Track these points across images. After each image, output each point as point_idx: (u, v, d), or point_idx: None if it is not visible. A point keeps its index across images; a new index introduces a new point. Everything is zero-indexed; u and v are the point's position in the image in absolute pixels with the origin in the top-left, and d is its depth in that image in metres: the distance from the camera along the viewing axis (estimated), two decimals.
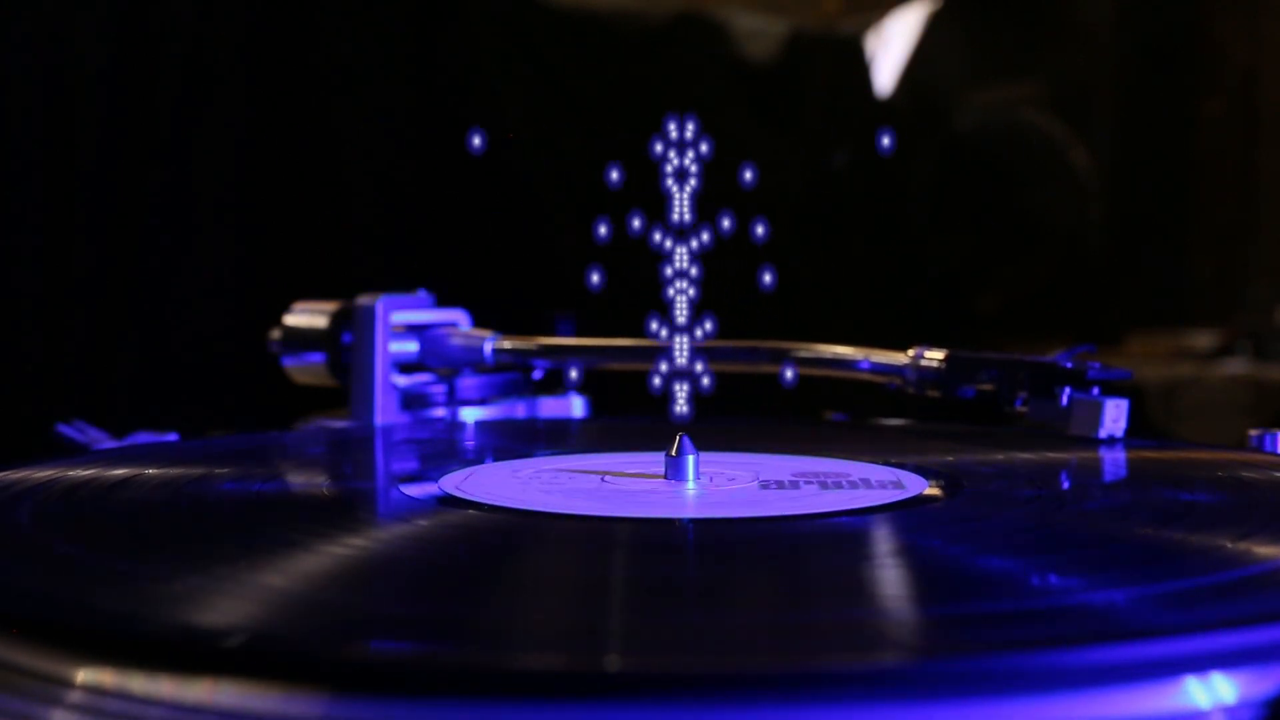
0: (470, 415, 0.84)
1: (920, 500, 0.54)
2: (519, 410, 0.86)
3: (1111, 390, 0.71)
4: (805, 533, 0.49)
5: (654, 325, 0.58)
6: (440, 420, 0.83)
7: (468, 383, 0.85)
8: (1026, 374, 0.72)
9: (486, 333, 0.85)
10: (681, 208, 0.57)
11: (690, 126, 0.57)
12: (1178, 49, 1.63)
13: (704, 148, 0.57)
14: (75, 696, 0.33)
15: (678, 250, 0.58)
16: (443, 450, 0.73)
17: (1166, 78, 1.62)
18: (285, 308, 0.85)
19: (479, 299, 0.90)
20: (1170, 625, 0.36)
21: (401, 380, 0.83)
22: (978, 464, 0.62)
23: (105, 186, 1.18)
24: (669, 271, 0.58)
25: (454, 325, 0.86)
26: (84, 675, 0.33)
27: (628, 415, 0.87)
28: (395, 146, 1.30)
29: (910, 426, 0.81)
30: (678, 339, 0.58)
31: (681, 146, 0.57)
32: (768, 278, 0.56)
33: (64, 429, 0.74)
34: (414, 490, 0.56)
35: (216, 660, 0.33)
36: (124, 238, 1.19)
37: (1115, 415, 0.70)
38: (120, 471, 0.59)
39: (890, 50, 1.52)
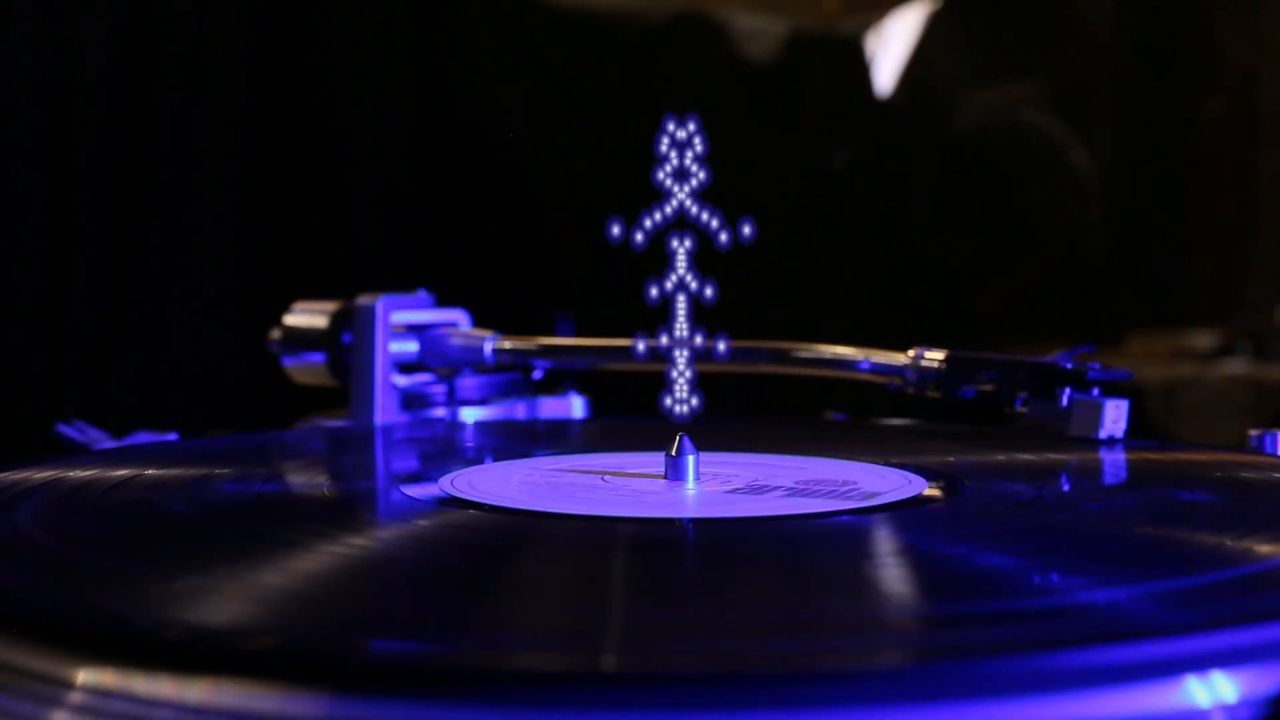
0: (470, 415, 0.84)
1: (920, 500, 0.54)
2: (519, 410, 0.86)
3: (1111, 391, 0.71)
4: (805, 533, 0.49)
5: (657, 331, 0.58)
6: (440, 420, 0.83)
7: (468, 383, 0.85)
8: (1026, 374, 0.72)
9: (486, 333, 0.85)
10: (681, 207, 0.57)
11: (690, 126, 0.57)
12: (1178, 49, 1.63)
13: (704, 147, 0.57)
14: (76, 697, 0.33)
15: (677, 250, 0.57)
16: (443, 450, 0.73)
17: (1166, 78, 1.62)
18: (285, 308, 0.85)
19: (479, 299, 0.90)
20: (1170, 625, 0.36)
21: (401, 380, 0.83)
22: (978, 464, 0.62)
23: (105, 186, 1.18)
24: (669, 271, 0.58)
25: (454, 325, 0.86)
26: (84, 675, 0.33)
27: (628, 415, 0.87)
28: (395, 146, 1.30)
29: (910, 426, 0.81)
30: (677, 336, 0.58)
31: (681, 146, 0.57)
32: (746, 229, 0.56)
33: (64, 429, 0.74)
34: (414, 490, 0.56)
35: (217, 660, 0.33)
36: (124, 238, 1.19)
37: (1115, 416, 0.70)
38: (120, 472, 0.59)
39: (890, 50, 1.52)
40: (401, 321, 0.84)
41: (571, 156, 1.36)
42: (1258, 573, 0.41)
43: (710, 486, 0.56)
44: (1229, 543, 0.45)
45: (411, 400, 0.83)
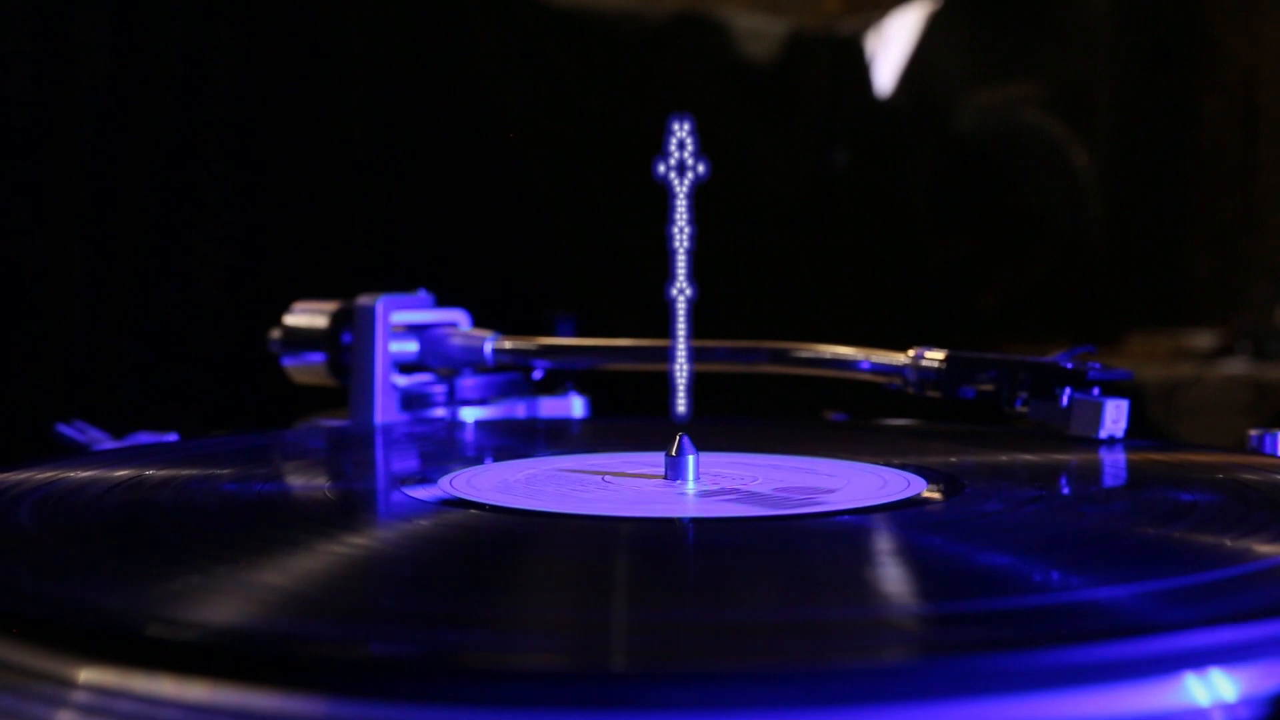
0: (470, 415, 0.84)
1: (921, 500, 0.54)
2: (519, 410, 0.86)
3: (1111, 391, 0.71)
4: (806, 532, 0.49)
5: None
6: (440, 420, 0.83)
7: (468, 383, 0.85)
8: (1027, 374, 0.72)
9: (486, 333, 0.85)
10: (681, 207, 0.57)
11: (689, 126, 0.57)
12: (1178, 49, 1.63)
13: (703, 147, 0.57)
14: (76, 696, 0.33)
15: (677, 250, 0.57)
16: (443, 450, 0.73)
17: (1166, 78, 1.62)
18: (285, 308, 0.85)
19: (479, 299, 0.90)
20: (1169, 622, 0.36)
21: (401, 380, 0.83)
22: (978, 464, 0.62)
23: (105, 186, 1.18)
24: (669, 270, 0.58)
25: (454, 325, 0.86)
26: (85, 675, 0.33)
27: (628, 415, 0.87)
28: (395, 146, 1.30)
29: (910, 426, 0.81)
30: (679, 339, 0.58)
31: (681, 146, 0.57)
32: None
33: (64, 429, 0.74)
34: (414, 490, 0.56)
35: (217, 660, 0.33)
36: (124, 237, 1.19)
37: (1115, 416, 0.70)
38: (121, 472, 0.59)
39: (890, 50, 1.52)
40: (401, 321, 0.84)
41: (571, 156, 1.36)
42: (1257, 571, 0.41)
43: (710, 486, 0.56)
44: (1228, 542, 0.45)
45: (411, 400, 0.83)
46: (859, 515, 0.51)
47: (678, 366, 0.58)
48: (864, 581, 0.43)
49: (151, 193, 1.20)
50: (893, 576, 0.44)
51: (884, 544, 0.47)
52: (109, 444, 0.74)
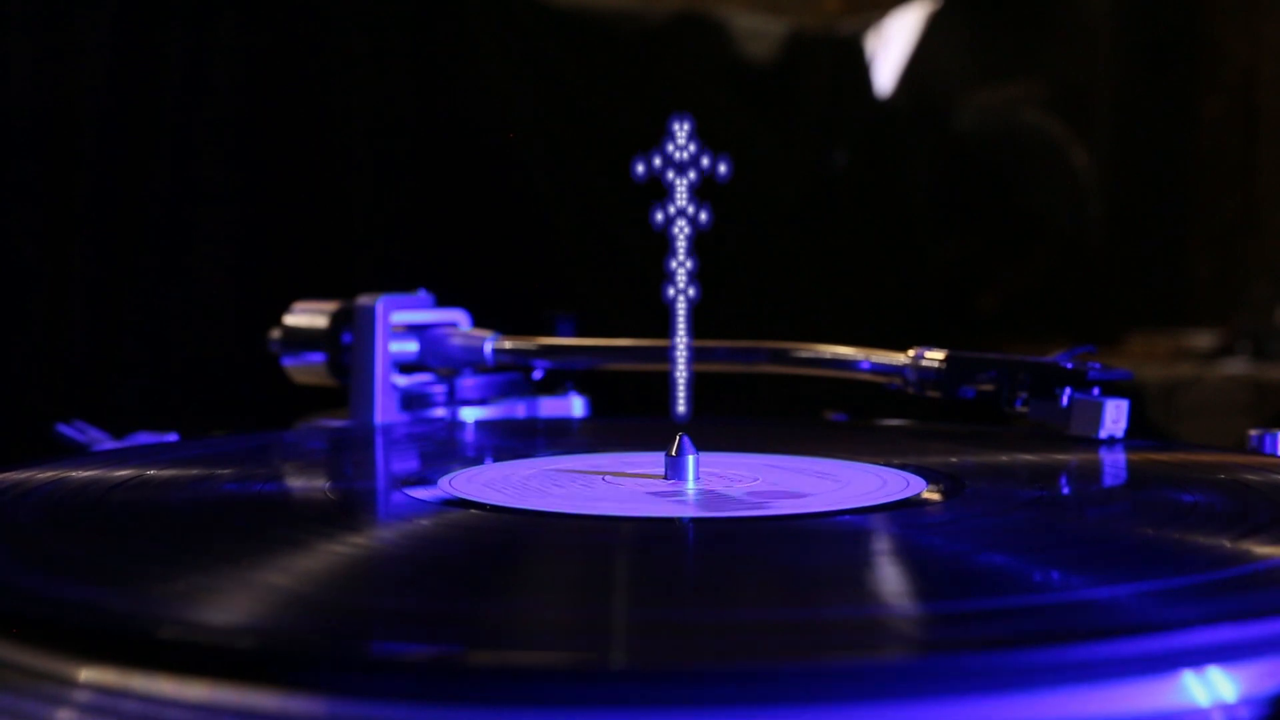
0: (470, 415, 0.84)
1: (921, 500, 0.54)
2: (519, 410, 0.86)
3: (1111, 391, 0.71)
4: (806, 532, 0.49)
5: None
6: (440, 420, 0.83)
7: (468, 383, 0.85)
8: (1027, 374, 0.72)
9: (486, 333, 0.85)
10: (681, 207, 0.57)
11: (689, 126, 0.57)
12: (1178, 49, 1.63)
13: (703, 147, 0.57)
14: (77, 696, 0.33)
15: (677, 249, 0.58)
16: (443, 450, 0.73)
17: (1166, 78, 1.63)
18: (285, 308, 0.85)
19: (479, 299, 0.90)
20: (1169, 621, 0.36)
21: (401, 380, 0.83)
22: (978, 464, 0.62)
23: (105, 186, 1.18)
24: (669, 270, 0.58)
25: (454, 325, 0.86)
26: (86, 675, 0.33)
27: (628, 415, 0.87)
28: (395, 146, 1.30)
29: (910, 426, 0.81)
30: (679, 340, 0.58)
31: (681, 146, 0.57)
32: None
33: (64, 429, 0.74)
34: (415, 490, 0.56)
35: (218, 660, 0.33)
36: (124, 237, 1.19)
37: (1115, 416, 0.70)
38: (121, 472, 0.59)
39: (890, 50, 1.52)
40: (401, 321, 0.84)
41: (571, 156, 1.36)
42: (1257, 572, 0.41)
43: (710, 486, 0.56)
44: (1228, 543, 0.45)
45: (411, 400, 0.83)
46: (859, 515, 0.51)
47: (678, 366, 0.58)
48: (864, 581, 0.43)
49: (151, 193, 1.20)
50: (892, 576, 0.44)
51: (883, 544, 0.47)
52: (109, 444, 0.74)
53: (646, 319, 0.69)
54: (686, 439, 0.58)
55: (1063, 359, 0.71)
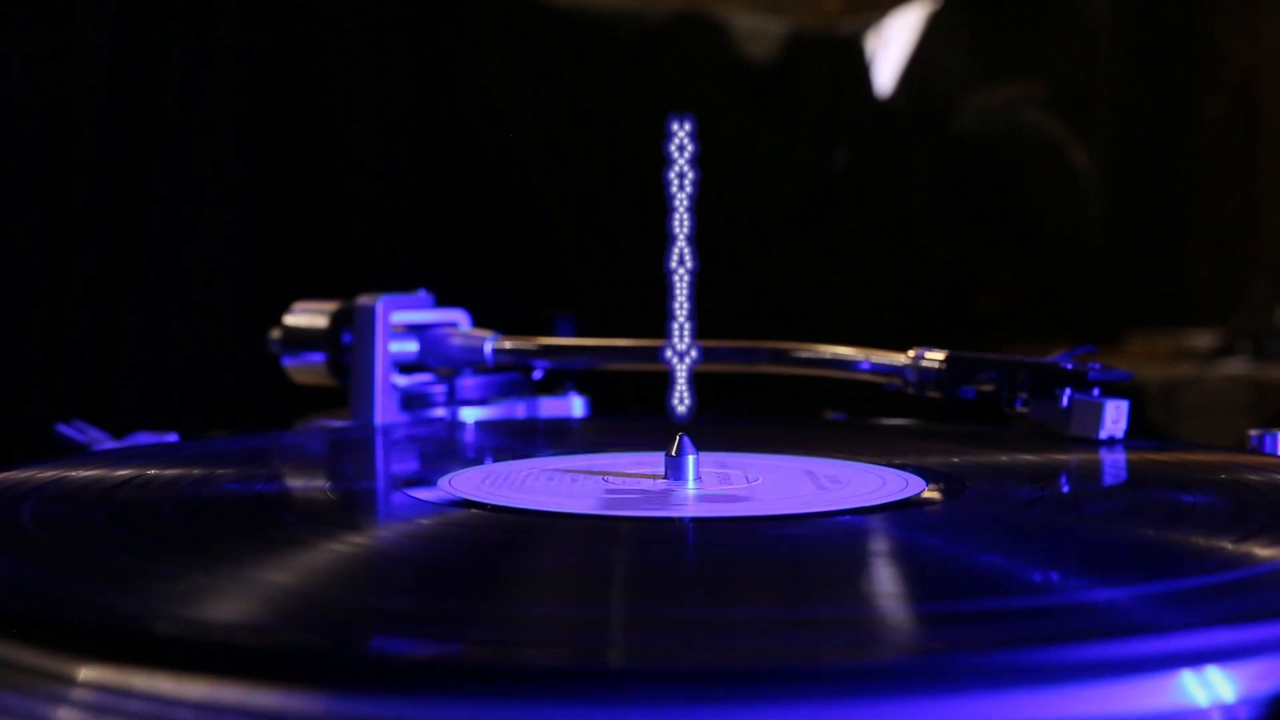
0: (470, 415, 0.84)
1: (921, 500, 0.54)
2: (519, 410, 0.86)
3: (1111, 391, 0.71)
4: (805, 532, 0.49)
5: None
6: (440, 420, 0.83)
7: (468, 383, 0.85)
8: (1027, 375, 0.72)
9: (486, 333, 0.85)
10: (681, 208, 0.57)
11: (689, 126, 0.57)
12: (1178, 49, 1.63)
13: (703, 147, 0.57)
14: (78, 694, 0.33)
15: (677, 249, 0.58)
16: (443, 450, 0.73)
17: (1166, 78, 1.63)
18: (285, 308, 0.85)
19: (479, 299, 0.90)
20: (1168, 623, 0.36)
21: (401, 380, 0.83)
22: (978, 464, 0.62)
23: (105, 186, 1.18)
24: (669, 270, 0.58)
25: (454, 325, 0.86)
26: (86, 673, 0.33)
27: (628, 415, 0.87)
28: (395, 146, 1.30)
29: (910, 426, 0.81)
30: (678, 334, 0.58)
31: (681, 146, 0.57)
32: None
33: (64, 429, 0.74)
34: (415, 490, 0.56)
35: (218, 658, 0.33)
36: (124, 237, 1.19)
37: (1115, 416, 0.70)
38: (122, 472, 0.59)
39: (890, 50, 1.52)
40: (401, 321, 0.84)
41: (571, 156, 1.36)
42: (1258, 574, 0.41)
43: (710, 486, 0.56)
44: (1229, 545, 0.45)
45: (411, 400, 0.83)
46: (858, 515, 0.51)
47: (678, 366, 0.58)
48: (863, 582, 0.43)
49: (151, 193, 1.20)
50: (891, 576, 0.44)
51: (883, 544, 0.47)
52: (109, 444, 0.74)
53: (646, 319, 0.69)
54: (686, 439, 0.58)
55: (1063, 359, 0.71)
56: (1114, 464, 0.65)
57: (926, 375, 0.74)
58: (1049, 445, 0.68)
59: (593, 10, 1.41)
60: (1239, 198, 1.62)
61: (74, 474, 0.58)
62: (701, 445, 0.58)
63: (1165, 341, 1.56)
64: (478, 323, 0.88)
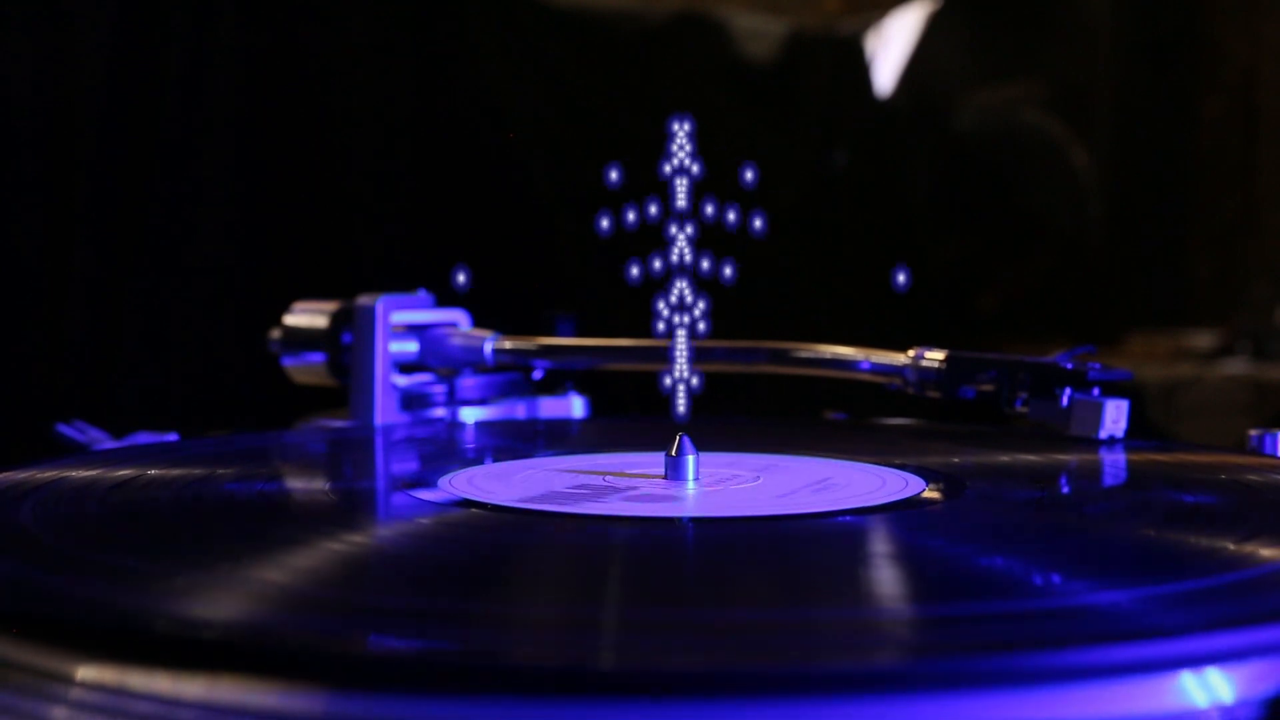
0: (470, 415, 0.84)
1: (921, 501, 0.54)
2: (519, 410, 0.86)
3: (1112, 391, 0.71)
4: (805, 533, 0.49)
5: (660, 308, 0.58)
6: (440, 420, 0.83)
7: (468, 383, 0.85)
8: (1027, 374, 0.72)
9: (486, 333, 0.85)
10: (681, 208, 0.57)
11: (689, 126, 0.57)
12: (1178, 49, 1.63)
13: (703, 147, 0.57)
14: (77, 693, 0.33)
15: (677, 249, 0.58)
16: (443, 450, 0.73)
17: (1166, 78, 1.62)
18: (285, 308, 0.85)
19: (479, 299, 0.90)
20: (1169, 625, 0.36)
21: (401, 380, 0.83)
22: (978, 464, 0.62)
23: (105, 186, 1.18)
24: (668, 268, 0.58)
25: (454, 325, 0.86)
26: (86, 672, 0.33)
27: (628, 415, 0.87)
28: (395, 146, 1.30)
29: (910, 426, 0.81)
30: (678, 334, 0.58)
31: (681, 146, 0.57)
32: (728, 270, 0.56)
33: (64, 429, 0.74)
34: (414, 490, 0.56)
35: (217, 657, 0.33)
36: (124, 237, 1.19)
37: (1115, 416, 0.70)
38: (121, 472, 0.59)
39: (890, 50, 1.52)
40: (401, 321, 0.84)
41: (571, 156, 1.36)
42: (1258, 575, 0.41)
43: (710, 486, 0.56)
44: (1230, 546, 0.45)
45: (411, 400, 0.83)
46: (858, 516, 0.51)
47: (678, 366, 0.58)
48: (863, 582, 0.43)
49: (151, 192, 1.20)
50: (891, 578, 0.44)
51: (883, 545, 0.47)
52: (109, 444, 0.74)
53: (646, 319, 0.69)
54: (686, 439, 0.58)
55: (1063, 359, 0.71)
56: (1114, 464, 0.65)
57: (926, 375, 0.74)
58: (1049, 445, 0.68)
59: (593, 10, 1.41)
60: (1239, 198, 1.62)
61: (74, 474, 0.58)
62: (701, 445, 0.58)
63: (1165, 341, 1.56)
64: (478, 323, 0.88)
